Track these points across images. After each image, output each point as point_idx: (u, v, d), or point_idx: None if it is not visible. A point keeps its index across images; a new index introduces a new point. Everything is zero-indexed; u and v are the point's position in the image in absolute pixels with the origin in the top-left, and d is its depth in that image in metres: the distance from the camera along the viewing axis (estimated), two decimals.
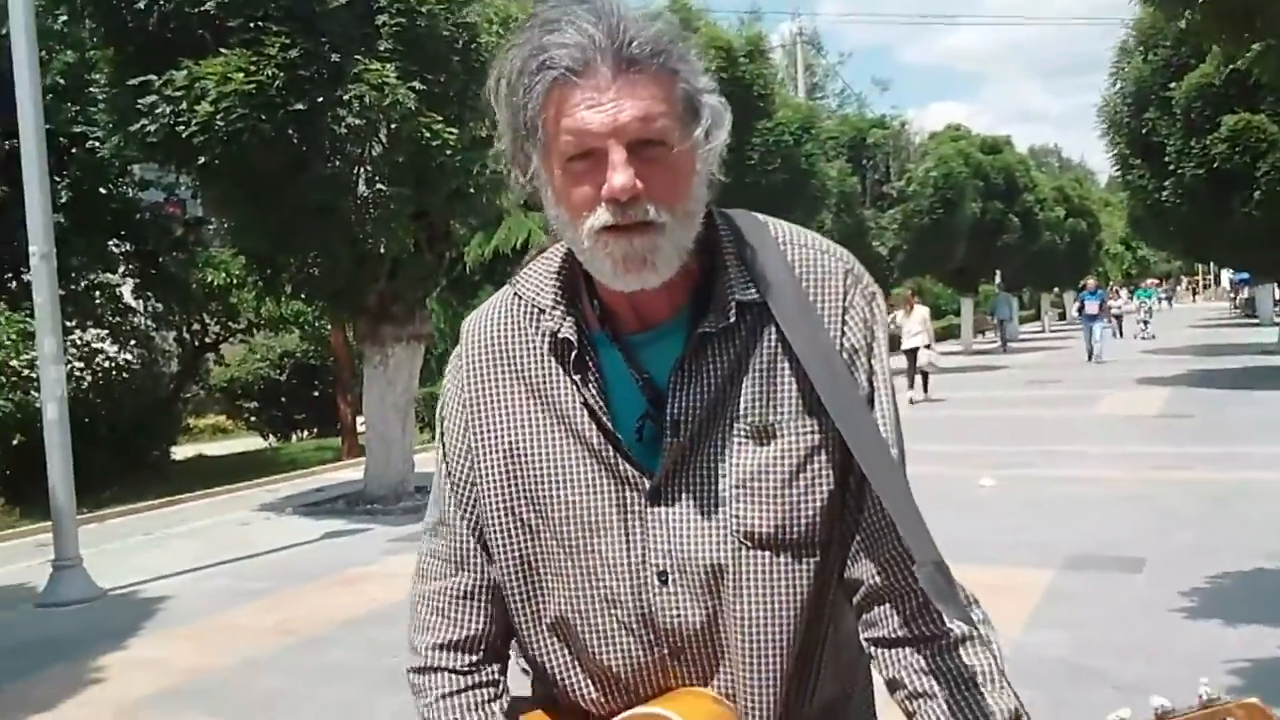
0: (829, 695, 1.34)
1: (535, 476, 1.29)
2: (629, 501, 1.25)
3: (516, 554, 1.31)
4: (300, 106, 9.20)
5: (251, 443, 20.76)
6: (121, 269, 16.18)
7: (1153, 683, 4.56)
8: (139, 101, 9.36)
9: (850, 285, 1.28)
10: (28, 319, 12.83)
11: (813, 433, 1.24)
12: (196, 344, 18.39)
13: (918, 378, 18.66)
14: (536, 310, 1.31)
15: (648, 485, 1.25)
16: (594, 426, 1.26)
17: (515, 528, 1.31)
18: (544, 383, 1.30)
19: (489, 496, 1.32)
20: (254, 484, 13.86)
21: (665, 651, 1.27)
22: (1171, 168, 18.36)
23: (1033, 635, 5.45)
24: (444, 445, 1.39)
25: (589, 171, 1.15)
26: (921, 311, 19.03)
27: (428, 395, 17.22)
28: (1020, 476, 10.36)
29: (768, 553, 1.24)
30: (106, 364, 15.30)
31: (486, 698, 1.34)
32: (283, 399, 21.28)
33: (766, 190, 17.76)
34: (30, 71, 7.52)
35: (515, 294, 1.35)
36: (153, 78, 9.31)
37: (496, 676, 1.37)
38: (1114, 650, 5.18)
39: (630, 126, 1.14)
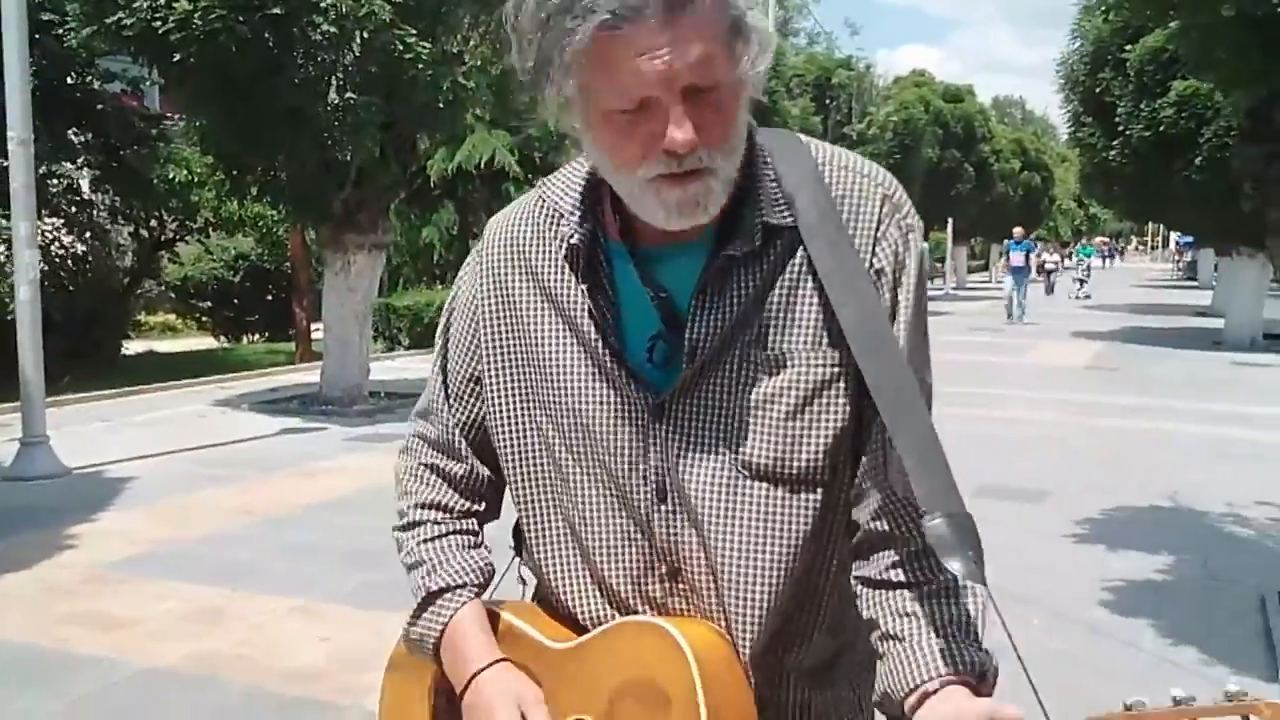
0: (825, 650, 1.30)
1: (545, 380, 1.27)
2: (634, 416, 1.22)
3: (525, 455, 1.30)
4: (277, 10, 9.36)
5: (202, 342, 20.90)
6: (81, 160, 16.18)
7: (1037, 596, 5.15)
8: None
9: (887, 213, 1.21)
10: None
11: (826, 365, 1.19)
12: (153, 240, 18.43)
13: None
14: (557, 215, 1.28)
15: (652, 401, 1.21)
16: (599, 338, 1.23)
17: (527, 428, 1.30)
18: (558, 288, 1.27)
19: (498, 396, 1.31)
20: (209, 380, 14.12)
21: (664, 570, 1.24)
22: (1121, 128, 18.87)
23: None
24: (447, 339, 1.38)
25: (639, 122, 1.09)
26: None
27: (382, 306, 17.49)
28: (944, 415, 10.85)
29: (765, 484, 1.20)
30: (61, 253, 15.39)
31: (472, 543, 1.36)
32: (235, 300, 21.40)
33: None
34: None
35: (540, 197, 1.32)
36: None
37: (479, 531, 1.39)
38: (1006, 569, 5.75)
39: (685, 75, 1.06)
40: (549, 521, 1.31)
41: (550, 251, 1.29)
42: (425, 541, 1.35)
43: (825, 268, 1.17)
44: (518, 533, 1.40)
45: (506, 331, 1.31)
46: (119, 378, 13.60)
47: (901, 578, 1.18)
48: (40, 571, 5.76)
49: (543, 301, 1.28)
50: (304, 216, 12.46)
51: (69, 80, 14.83)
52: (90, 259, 15.89)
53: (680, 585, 1.24)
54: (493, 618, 1.32)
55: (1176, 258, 60.62)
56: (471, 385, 1.35)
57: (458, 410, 1.37)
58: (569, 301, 1.26)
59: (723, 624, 1.23)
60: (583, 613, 1.29)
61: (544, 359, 1.27)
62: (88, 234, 16.20)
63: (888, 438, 1.15)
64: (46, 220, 15.60)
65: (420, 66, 10.06)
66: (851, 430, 1.21)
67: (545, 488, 1.30)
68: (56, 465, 8.27)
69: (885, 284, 1.20)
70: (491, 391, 1.32)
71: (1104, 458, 8.93)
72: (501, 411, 1.32)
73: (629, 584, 1.26)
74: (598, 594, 1.28)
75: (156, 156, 16.38)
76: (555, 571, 1.31)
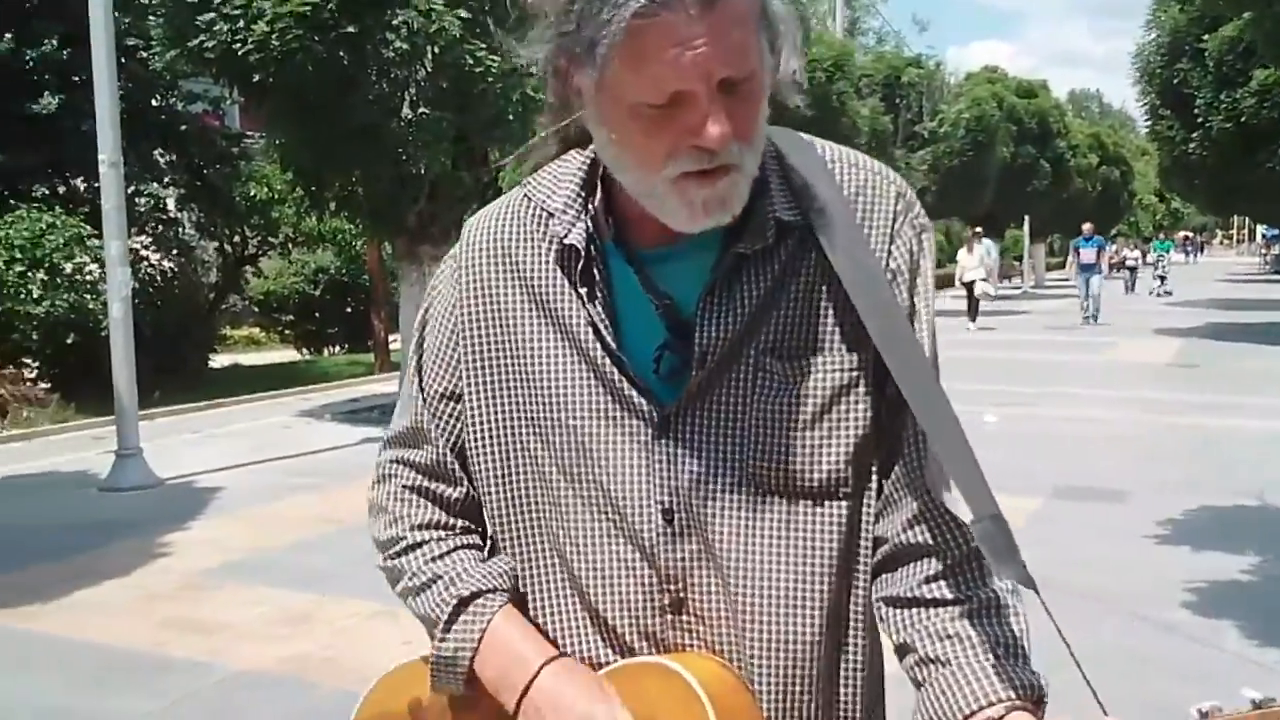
0: (870, 694, 1.19)
1: (535, 395, 1.15)
2: (636, 430, 1.12)
3: (511, 478, 1.18)
4: (351, 29, 9.62)
5: (285, 355, 21.39)
6: (166, 179, 16.72)
7: (1116, 597, 5.11)
8: (198, 18, 9.79)
9: (901, 211, 1.15)
10: (81, 224, 13.44)
11: (845, 369, 1.11)
12: (236, 256, 18.95)
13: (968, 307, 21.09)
14: (545, 214, 1.17)
15: (657, 416, 1.11)
16: (599, 346, 1.12)
17: (513, 448, 1.18)
18: (549, 294, 1.16)
19: (480, 413, 1.19)
20: (293, 392, 14.51)
21: (666, 601, 1.13)
22: (1200, 120, 18.50)
23: None
24: (422, 352, 1.25)
25: (669, 117, 1.01)
26: (981, 248, 21.52)
27: None
28: (1023, 414, 10.84)
29: (783, 500, 1.11)
30: (150, 271, 15.90)
31: (484, 555, 1.23)
32: (316, 314, 21.88)
33: (795, 125, 18.00)
34: None
35: (525, 196, 1.21)
36: None
37: (484, 547, 1.25)
38: (1083, 565, 5.71)
39: (722, 66, 0.99)
40: (536, 551, 1.18)
41: (540, 253, 1.17)
42: (435, 559, 1.20)
43: (843, 266, 1.10)
44: None
45: (490, 341, 1.19)
46: (206, 391, 14.03)
47: (941, 594, 1.10)
48: (138, 578, 6.01)
49: (531, 307, 1.17)
50: (380, 230, 12.74)
51: (154, 102, 15.36)
52: (177, 276, 16.38)
53: (685, 618, 1.13)
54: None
55: (1263, 251, 58.99)
56: (451, 404, 1.22)
57: (446, 431, 1.23)
58: (563, 307, 1.15)
59: (735, 659, 1.13)
60: (573, 651, 1.16)
61: (534, 370, 1.16)
62: (174, 251, 16.72)
63: (920, 440, 1.11)
64: (135, 238, 16.14)
65: (490, 80, 10.25)
66: (873, 437, 1.13)
67: (532, 513, 1.18)
68: (149, 476, 8.58)
69: (901, 285, 1.14)
70: (473, 408, 1.19)
71: (1185, 456, 8.78)
72: (482, 430, 1.19)
73: (625, 617, 1.14)
74: (589, 629, 1.16)
75: (238, 174, 16.88)
76: (542, 606, 1.18)
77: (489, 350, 1.18)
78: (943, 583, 1.11)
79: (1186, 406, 11.39)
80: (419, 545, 1.22)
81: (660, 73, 0.99)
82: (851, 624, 1.16)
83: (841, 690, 1.17)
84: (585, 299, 1.13)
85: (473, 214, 1.26)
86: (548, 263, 1.16)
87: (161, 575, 6.07)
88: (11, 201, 13.89)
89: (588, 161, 1.18)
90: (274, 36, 9.47)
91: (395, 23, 9.77)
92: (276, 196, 16.63)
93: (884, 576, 1.15)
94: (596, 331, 1.12)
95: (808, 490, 1.12)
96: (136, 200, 15.81)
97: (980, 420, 10.38)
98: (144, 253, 16.12)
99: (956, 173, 27.55)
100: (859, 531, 1.15)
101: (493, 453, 1.19)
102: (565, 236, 1.14)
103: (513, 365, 1.17)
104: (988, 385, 13.05)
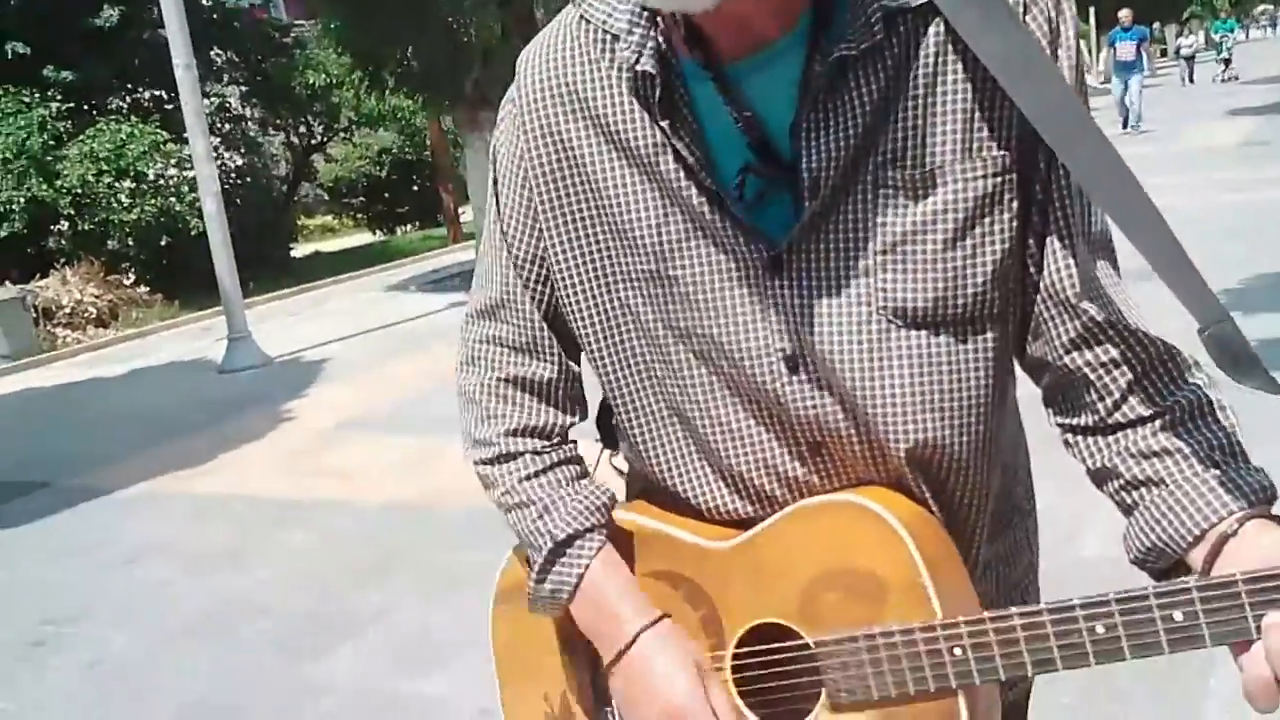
0: (1001, 495, 1.12)
1: (627, 246, 1.05)
2: (744, 274, 1.00)
3: (615, 341, 1.09)
4: None
5: (361, 238, 22.03)
6: (226, 78, 17.15)
7: None
8: None
9: None
10: (158, 130, 13.99)
11: (988, 174, 0.95)
12: (303, 146, 19.44)
13: None
14: (609, 37, 1.03)
15: (766, 255, 0.98)
16: (692, 185, 0.99)
17: (613, 307, 1.08)
18: (625, 129, 1.02)
19: (569, 274, 1.08)
20: (376, 269, 15.16)
21: (804, 447, 1.04)
22: None
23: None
24: (500, 212, 1.13)
25: None
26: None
27: None
28: None
29: (924, 332, 0.98)
30: (223, 170, 16.49)
31: (578, 474, 1.15)
32: (385, 194, 22.38)
33: None
34: None
35: (581, 17, 1.07)
36: None
37: (581, 457, 1.18)
38: None
39: None
40: (654, 412, 1.10)
41: (609, 84, 1.03)
42: (528, 478, 1.13)
43: (988, 48, 0.90)
44: (604, 423, 1.23)
45: (567, 190, 1.06)
46: (293, 279, 14.72)
47: (1138, 412, 0.98)
48: (272, 439, 6.70)
49: (608, 146, 1.04)
50: (439, 102, 13.07)
51: (205, 2, 15.67)
52: (250, 172, 16.95)
53: (823, 461, 1.04)
54: (622, 531, 1.13)
55: None
56: (538, 268, 1.11)
57: (540, 298, 1.12)
58: (644, 143, 1.01)
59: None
60: (709, 506, 1.10)
61: (621, 218, 1.04)
62: (243, 149, 17.25)
63: (1080, 234, 0.98)
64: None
65: None
66: (1020, 248, 0.99)
67: (643, 375, 1.09)
68: (261, 356, 9.26)
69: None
70: (562, 269, 1.09)
71: (1250, 230, 8.91)
72: (577, 292, 1.09)
73: (760, 469, 1.05)
74: (724, 484, 1.08)
75: (295, 65, 17.20)
76: (669, 465, 1.11)
77: (567, 201, 1.07)
78: (1134, 399, 0.98)
79: (1252, 183, 11.38)
80: (512, 457, 1.14)
81: None
82: (997, 440, 1.06)
83: (1004, 519, 1.13)
84: (670, 132, 0.99)
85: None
86: (620, 93, 1.03)
87: (292, 435, 6.76)
88: (94, 114, 14.48)
89: None
90: None
91: None
92: (334, 81, 16.96)
93: (1063, 403, 1.03)
94: (688, 168, 0.99)
95: (951, 319, 0.99)
96: (204, 102, 16.30)
97: None
98: (215, 153, 16.67)
99: None
100: (1007, 356, 1.05)
101: (592, 316, 1.09)
102: (637, 62, 0.99)
103: (596, 215, 1.06)
104: None
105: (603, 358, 1.10)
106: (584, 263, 1.07)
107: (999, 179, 0.96)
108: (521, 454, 1.14)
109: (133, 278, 13.28)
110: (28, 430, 8.01)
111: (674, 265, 1.02)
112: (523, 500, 1.12)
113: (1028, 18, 0.94)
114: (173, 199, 13.67)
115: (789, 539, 1.03)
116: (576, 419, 1.18)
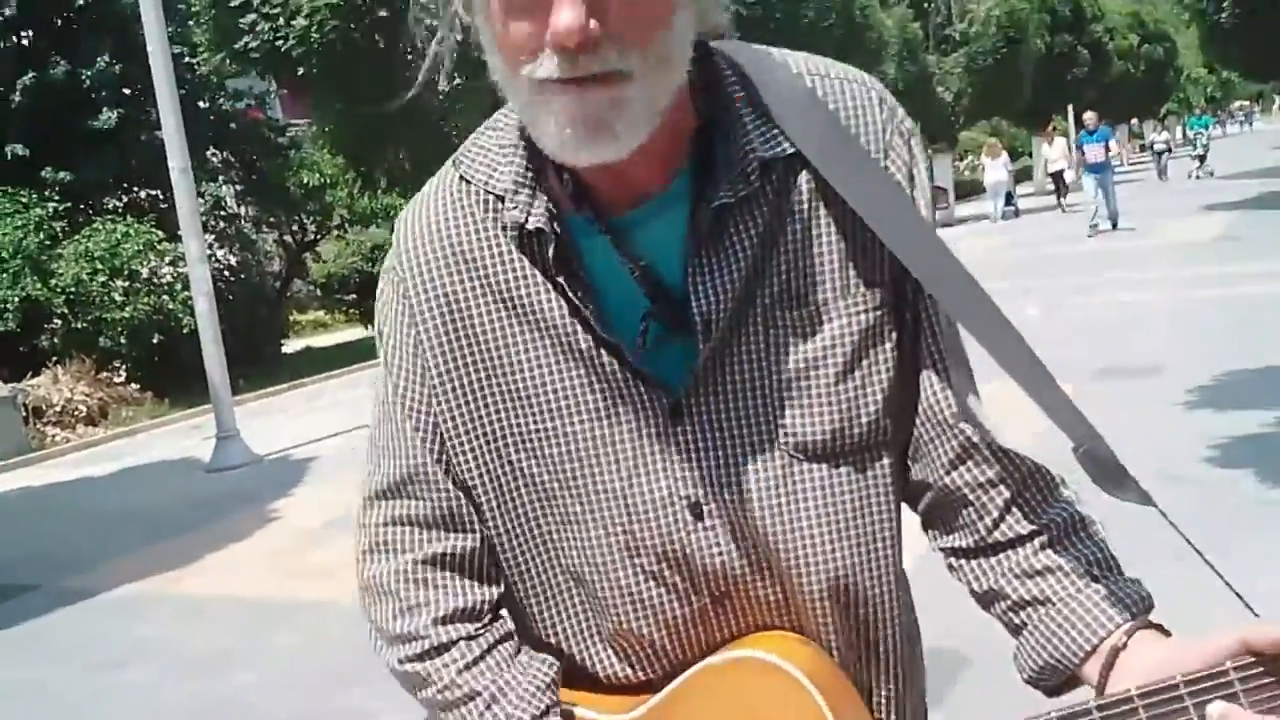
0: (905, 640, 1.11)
1: (521, 407, 1.02)
2: (645, 424, 1.00)
3: (509, 508, 1.05)
4: (384, 13, 10.17)
5: (352, 333, 22.16)
6: (221, 178, 17.47)
7: (1136, 459, 5.53)
8: (239, 21, 10.41)
9: (887, 119, 1.03)
10: (152, 230, 14.21)
11: (868, 308, 1.00)
12: (296, 243, 19.70)
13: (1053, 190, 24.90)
14: (493, 198, 1.02)
15: (666, 402, 0.99)
16: (589, 338, 0.99)
17: (503, 475, 1.04)
18: (516, 288, 1.01)
19: (460, 439, 1.05)
20: (368, 365, 15.21)
21: (706, 600, 1.03)
22: None
23: (1048, 430, 6.43)
24: (397, 384, 1.07)
25: (532, 3, 0.87)
26: (1061, 141, 25.67)
27: None
28: (1067, 304, 11.17)
29: (826, 465, 1.01)
30: (217, 266, 16.69)
31: (516, 649, 1.08)
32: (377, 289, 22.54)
33: (823, 46, 18.20)
34: (155, 6, 8.55)
35: (462, 178, 1.05)
36: None
37: (513, 630, 1.11)
38: (1114, 437, 6.13)
39: None
40: (549, 579, 1.07)
41: (497, 244, 1.02)
42: (467, 668, 1.05)
43: (856, 193, 0.97)
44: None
45: (459, 355, 1.04)
46: (285, 374, 14.82)
47: (1017, 531, 1.02)
48: (258, 540, 6.74)
49: (498, 307, 1.02)
50: None
51: (201, 104, 16.05)
52: (243, 269, 17.15)
53: (726, 613, 1.04)
54: None
55: None
56: (438, 434, 1.06)
57: (447, 466, 1.06)
58: (537, 301, 1.01)
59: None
60: (607, 673, 1.07)
61: (514, 379, 1.02)
62: (237, 246, 17.49)
63: (947, 363, 1.03)
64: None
65: None
66: (901, 376, 1.03)
67: (538, 539, 1.06)
68: (250, 455, 9.32)
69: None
70: (453, 436, 1.05)
71: (1222, 326, 9.08)
72: (468, 457, 1.05)
73: (661, 629, 1.03)
74: (624, 649, 1.06)
75: (290, 164, 17.53)
76: (565, 632, 1.08)
77: (459, 365, 1.04)
78: (1013, 518, 1.02)
79: (1229, 278, 11.60)
80: (445, 648, 1.05)
81: None
82: (899, 575, 1.08)
83: (905, 648, 1.11)
84: (565, 288, 0.98)
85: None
86: (508, 252, 1.01)
87: (278, 535, 6.80)
88: (90, 214, 14.71)
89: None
90: (313, 30, 10.06)
91: (424, 1, 10.26)
92: (328, 181, 17.28)
93: (944, 525, 1.07)
94: (584, 321, 0.99)
95: (850, 449, 1.01)
96: (199, 200, 16.59)
97: (1023, 313, 10.75)
98: (210, 249, 16.90)
99: (991, 71, 27.35)
100: (901, 482, 1.07)
101: (484, 481, 1.05)
102: (527, 221, 0.98)
103: (489, 378, 1.03)
104: (1034, 281, 13.37)
105: (496, 525, 1.07)
106: (475, 427, 1.04)
107: (877, 312, 1.01)
108: (455, 642, 1.06)
109: (124, 375, 13.37)
110: (18, 531, 8.03)
111: (571, 421, 1.01)
112: (466, 693, 1.04)
113: (887, 162, 1.01)
114: (166, 297, 13.84)
115: (695, 703, 1.01)
116: (502, 588, 1.10)
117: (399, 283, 1.06)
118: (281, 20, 10.19)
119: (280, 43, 10.22)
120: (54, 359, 13.40)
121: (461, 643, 1.05)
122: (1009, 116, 34.63)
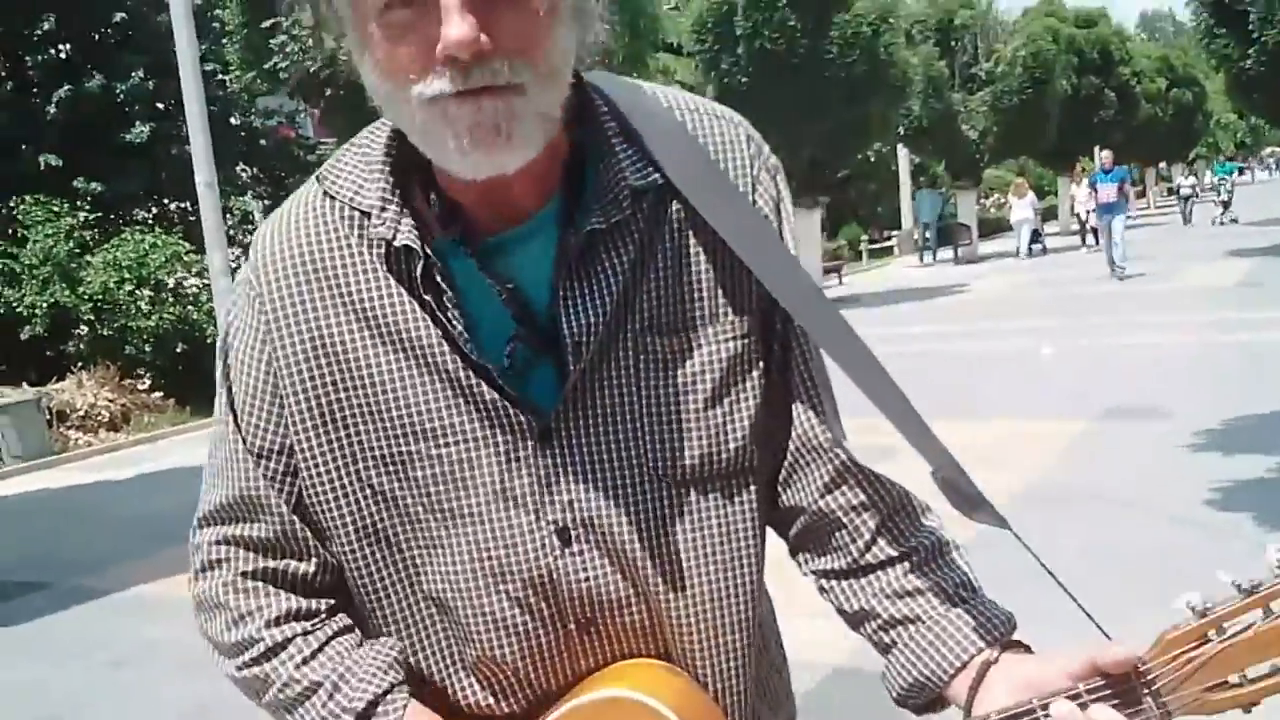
0: (764, 664, 1.14)
1: (385, 429, 1.00)
2: (512, 447, 0.98)
3: (369, 532, 1.02)
4: None
5: None
6: (250, 193, 17.75)
7: (1140, 499, 5.58)
8: (270, 41, 10.61)
9: (754, 155, 1.05)
10: (180, 241, 14.45)
11: (736, 335, 1.02)
12: None
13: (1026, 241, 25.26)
14: (358, 214, 1.00)
15: (535, 425, 0.98)
16: (457, 359, 0.97)
17: (364, 498, 1.02)
18: (380, 307, 0.99)
19: (319, 464, 1.01)
20: None
21: (572, 626, 1.01)
22: (1254, 34, 18.38)
23: (1053, 466, 6.49)
24: (234, 405, 1.04)
25: (414, 22, 0.86)
26: (1031, 196, 25.22)
27: None
28: (1082, 345, 11.18)
29: (694, 490, 1.02)
30: None
31: (358, 640, 1.05)
32: None
33: (846, 83, 18.34)
34: (188, 26, 8.75)
35: (326, 194, 1.02)
36: (281, 19, 10.53)
37: (354, 625, 1.07)
38: (1119, 479, 6.18)
39: None
40: (411, 605, 1.04)
41: (361, 261, 1.00)
42: (305, 662, 1.02)
43: (719, 220, 1.00)
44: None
45: (318, 375, 1.00)
46: None
47: (885, 554, 1.05)
48: None
49: (360, 326, 0.99)
50: None
51: (233, 121, 16.34)
52: None
53: (592, 640, 1.02)
54: None
55: None
56: (285, 459, 1.03)
57: (287, 491, 1.03)
58: (402, 320, 0.98)
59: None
60: (470, 702, 1.04)
61: (377, 399, 0.99)
62: None
63: (817, 390, 1.06)
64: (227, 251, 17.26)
65: None
66: (768, 402, 1.05)
67: (399, 565, 1.03)
68: None
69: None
70: (309, 458, 1.02)
71: (1235, 371, 9.08)
72: (325, 481, 1.02)
73: (526, 656, 1.01)
74: (488, 678, 1.03)
75: None
76: (428, 661, 1.05)
77: (317, 386, 1.00)
78: (883, 541, 1.05)
79: (1249, 323, 11.60)
80: (282, 646, 1.02)
81: None
82: (760, 603, 1.09)
83: (774, 676, 1.16)
84: (433, 308, 0.97)
85: None
86: (373, 270, 0.99)
87: None
88: (120, 224, 14.97)
89: (394, 137, 1.00)
90: (341, 51, 10.22)
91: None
92: None
93: (816, 548, 1.09)
94: (451, 341, 0.97)
95: (718, 474, 1.03)
96: (226, 215, 16.86)
97: (1038, 353, 10.79)
98: (235, 264, 17.16)
99: (1016, 111, 27.39)
100: (766, 506, 1.08)
101: (341, 506, 1.02)
102: (394, 238, 0.97)
103: (349, 398, 1.00)
104: (1051, 320, 13.41)
105: (353, 550, 1.03)
106: (334, 448, 1.01)
107: (745, 341, 1.02)
108: (291, 639, 1.03)
109: (147, 383, 13.56)
110: (35, 530, 8.17)
111: (436, 443, 0.99)
112: (307, 686, 1.01)
113: (755, 195, 1.04)
114: (190, 307, 14.06)
115: None
116: (339, 601, 1.07)
117: (255, 297, 1.03)
118: (311, 42, 10.37)
119: (309, 64, 10.39)
120: (79, 364, 13.60)
121: (298, 639, 1.03)
122: (1034, 156, 34.70)
